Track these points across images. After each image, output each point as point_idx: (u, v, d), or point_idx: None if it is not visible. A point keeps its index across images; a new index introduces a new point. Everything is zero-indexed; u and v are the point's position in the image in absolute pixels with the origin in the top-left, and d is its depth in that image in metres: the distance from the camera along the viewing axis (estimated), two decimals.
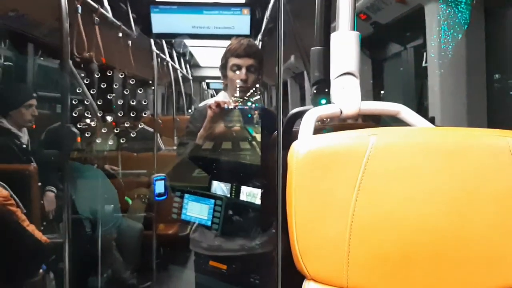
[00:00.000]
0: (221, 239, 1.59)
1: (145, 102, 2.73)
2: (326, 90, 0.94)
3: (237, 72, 1.60)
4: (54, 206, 2.16)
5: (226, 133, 1.62)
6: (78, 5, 2.11)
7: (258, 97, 1.65)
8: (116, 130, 2.34)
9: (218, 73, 1.68)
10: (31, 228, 1.60)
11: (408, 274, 0.70)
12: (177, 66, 3.62)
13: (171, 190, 1.74)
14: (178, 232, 2.55)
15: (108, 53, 2.31)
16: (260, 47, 2.15)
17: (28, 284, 1.73)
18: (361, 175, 0.72)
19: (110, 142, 2.29)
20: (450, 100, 1.93)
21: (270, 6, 2.39)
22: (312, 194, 0.75)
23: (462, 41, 1.89)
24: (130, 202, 2.43)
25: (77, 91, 2.07)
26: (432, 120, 1.89)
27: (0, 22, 2.21)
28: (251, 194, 1.60)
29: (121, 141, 2.40)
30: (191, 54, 3.91)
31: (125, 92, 2.39)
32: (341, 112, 0.90)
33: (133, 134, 2.45)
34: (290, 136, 1.02)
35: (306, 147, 0.76)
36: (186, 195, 1.64)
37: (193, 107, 3.89)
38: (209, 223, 1.59)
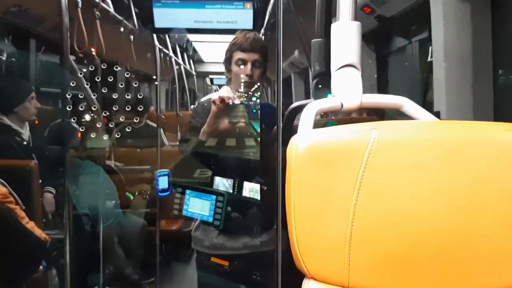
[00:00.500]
0: (223, 237, 1.58)
1: (141, 95, 2.69)
2: (327, 82, 0.91)
3: (242, 66, 1.58)
4: (53, 208, 2.14)
5: (230, 129, 1.60)
6: (78, 0, 2.09)
7: (262, 92, 1.62)
8: (118, 126, 2.33)
9: (222, 68, 1.66)
10: (31, 225, 1.59)
11: (411, 273, 0.68)
12: (180, 61, 3.60)
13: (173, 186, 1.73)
14: (181, 228, 2.55)
15: (109, 48, 2.29)
16: None
17: (29, 281, 1.72)
18: (362, 171, 0.70)
19: (110, 138, 2.27)
20: (456, 94, 1.90)
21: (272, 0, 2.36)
22: (312, 191, 0.72)
23: (468, 34, 1.85)
24: (132, 198, 2.42)
25: (71, 84, 2.03)
26: (437, 115, 1.86)
27: (3, 17, 2.20)
28: (253, 190, 1.58)
29: (121, 137, 2.38)
30: (194, 49, 3.89)
31: (122, 86, 2.37)
32: (342, 105, 0.87)
33: (132, 129, 2.42)
34: (291, 130, 1.00)
35: (305, 142, 0.74)
36: (188, 191, 1.63)
37: (196, 103, 3.87)
38: (210, 219, 1.57)
